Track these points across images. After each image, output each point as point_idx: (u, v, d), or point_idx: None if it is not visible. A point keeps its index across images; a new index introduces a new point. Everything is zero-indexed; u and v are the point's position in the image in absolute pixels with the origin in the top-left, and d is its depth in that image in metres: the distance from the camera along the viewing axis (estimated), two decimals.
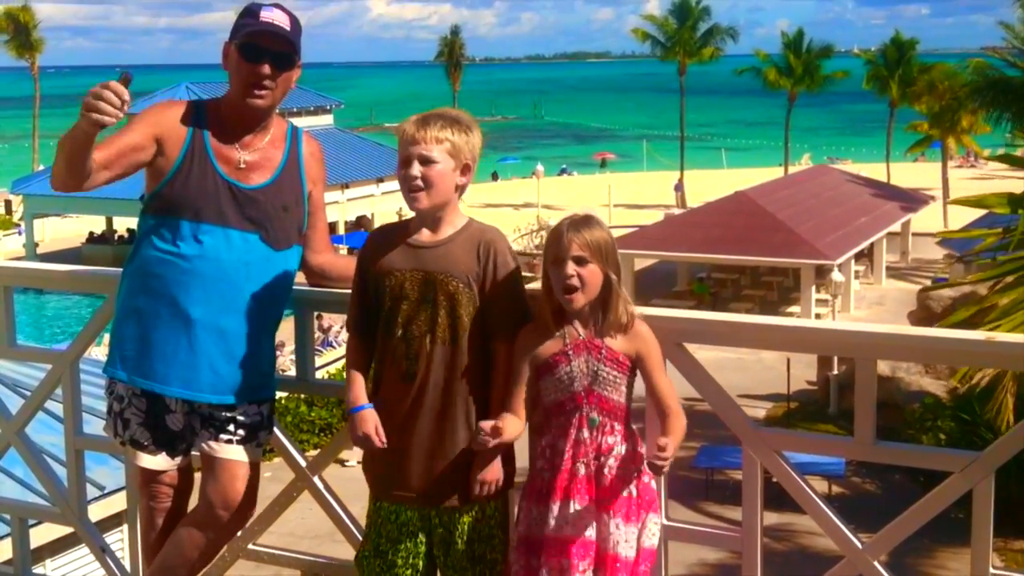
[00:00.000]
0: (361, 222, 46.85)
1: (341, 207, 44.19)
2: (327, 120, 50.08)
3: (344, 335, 3.61)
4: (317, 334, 24.49)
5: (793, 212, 36.15)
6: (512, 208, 56.28)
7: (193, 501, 3.70)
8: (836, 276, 31.44)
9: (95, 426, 4.28)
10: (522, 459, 3.33)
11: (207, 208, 3.43)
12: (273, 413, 3.69)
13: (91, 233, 47.45)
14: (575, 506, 3.08)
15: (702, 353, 3.26)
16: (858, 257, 37.12)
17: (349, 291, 3.39)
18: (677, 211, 49.75)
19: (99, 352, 15.77)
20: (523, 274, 3.33)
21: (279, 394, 3.94)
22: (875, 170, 55.46)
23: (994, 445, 3.05)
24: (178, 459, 3.64)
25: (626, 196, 57.38)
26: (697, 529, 3.46)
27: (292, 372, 4.04)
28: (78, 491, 4.30)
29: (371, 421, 3.23)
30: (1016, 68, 24.29)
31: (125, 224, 45.22)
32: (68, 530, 4.55)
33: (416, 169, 3.18)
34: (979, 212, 25.23)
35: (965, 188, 52.11)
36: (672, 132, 71.89)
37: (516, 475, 3.36)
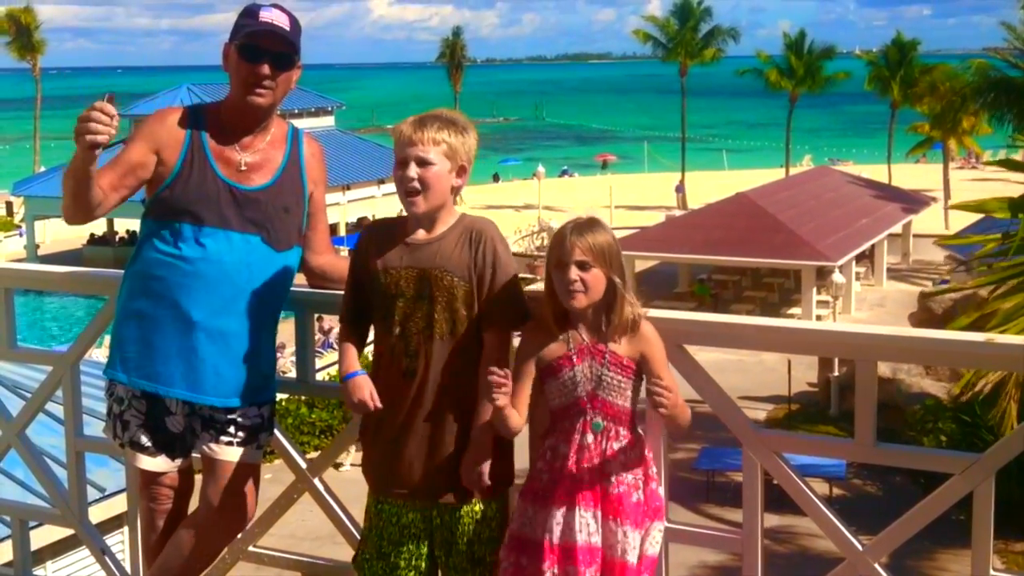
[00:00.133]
0: (362, 224, 46.85)
1: (342, 208, 44.23)
2: (328, 121, 50.13)
3: None
4: (318, 336, 24.48)
5: (794, 214, 36.15)
6: (513, 209, 56.27)
7: (194, 503, 3.70)
8: (837, 278, 31.42)
9: (96, 428, 4.28)
10: (522, 460, 3.33)
11: (208, 211, 3.43)
12: (273, 415, 3.69)
13: (92, 235, 47.47)
14: (581, 512, 3.06)
15: (703, 355, 3.26)
16: (859, 259, 37.11)
17: None
18: (678, 212, 49.75)
19: (100, 354, 15.78)
20: (523, 276, 3.33)
21: (279, 396, 3.94)
22: (876, 171, 55.45)
23: (995, 447, 3.05)
24: (178, 461, 3.63)
25: (627, 197, 57.35)
26: (698, 531, 3.46)
27: (293, 374, 4.04)
28: (78, 493, 4.30)
29: (366, 387, 3.22)
30: (1018, 69, 24.26)
31: (126, 226, 45.31)
32: (69, 532, 4.55)
33: (413, 171, 3.18)
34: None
35: (966, 189, 52.13)
36: (673, 133, 71.91)
37: (516, 476, 3.36)
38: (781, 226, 34.58)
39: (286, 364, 22.46)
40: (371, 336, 3.39)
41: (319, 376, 4.21)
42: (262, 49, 3.42)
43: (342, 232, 43.61)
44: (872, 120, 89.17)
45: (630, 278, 3.12)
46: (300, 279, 3.71)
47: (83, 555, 10.54)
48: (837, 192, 41.33)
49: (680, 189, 59.37)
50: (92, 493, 10.24)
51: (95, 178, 3.33)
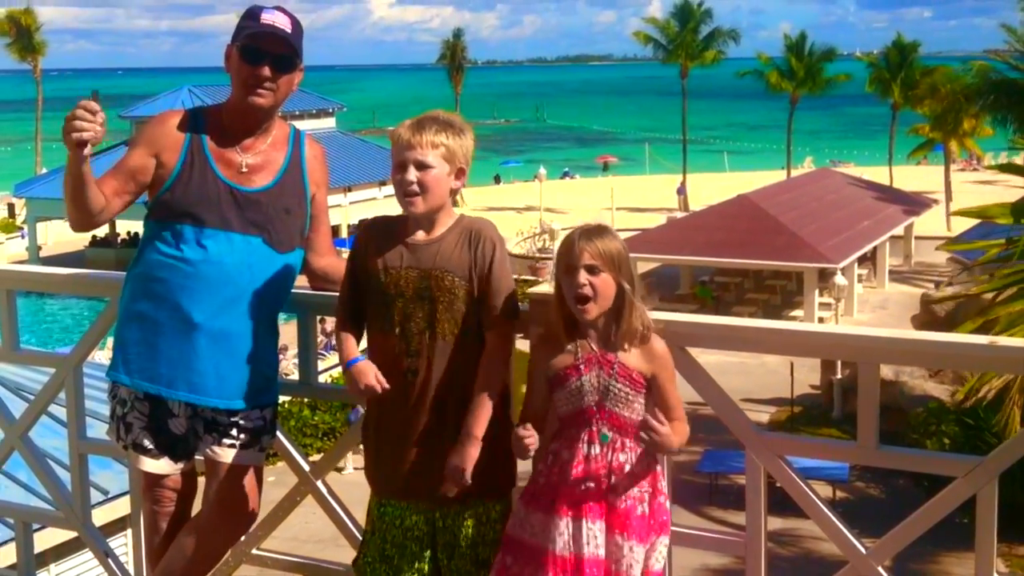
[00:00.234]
0: (362, 223, 46.82)
1: (344, 210, 44.23)
2: (329, 123, 50.12)
3: None
4: (320, 338, 24.49)
5: (796, 215, 36.14)
6: (514, 211, 56.27)
7: (197, 505, 3.70)
8: (839, 280, 31.42)
9: (99, 430, 4.28)
10: (525, 463, 3.33)
11: (209, 212, 3.44)
12: (276, 417, 3.70)
13: (94, 236, 47.44)
14: (588, 524, 3.04)
15: (705, 357, 3.26)
16: (861, 261, 37.08)
17: None
18: (679, 214, 49.73)
19: (102, 356, 15.78)
20: (525, 277, 3.33)
21: (282, 398, 3.95)
22: (878, 173, 55.43)
23: (998, 450, 3.05)
24: (181, 463, 3.64)
25: (628, 199, 57.35)
26: (700, 534, 3.46)
27: (295, 376, 4.04)
28: (82, 495, 4.30)
29: (370, 371, 3.20)
30: (1018, 71, 24.24)
31: (128, 227, 45.31)
32: (72, 534, 4.55)
33: (412, 174, 3.19)
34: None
35: (968, 191, 52.13)
36: (674, 135, 71.88)
37: (518, 479, 3.36)
38: (783, 228, 34.57)
39: (289, 366, 22.47)
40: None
41: (322, 378, 4.21)
42: (263, 51, 3.43)
43: (344, 234, 43.60)
44: (873, 122, 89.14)
45: (639, 286, 3.10)
46: (302, 281, 3.71)
47: (86, 558, 10.56)
48: (839, 194, 41.31)
49: (681, 191, 59.36)
50: (95, 496, 10.26)
51: (93, 182, 3.36)
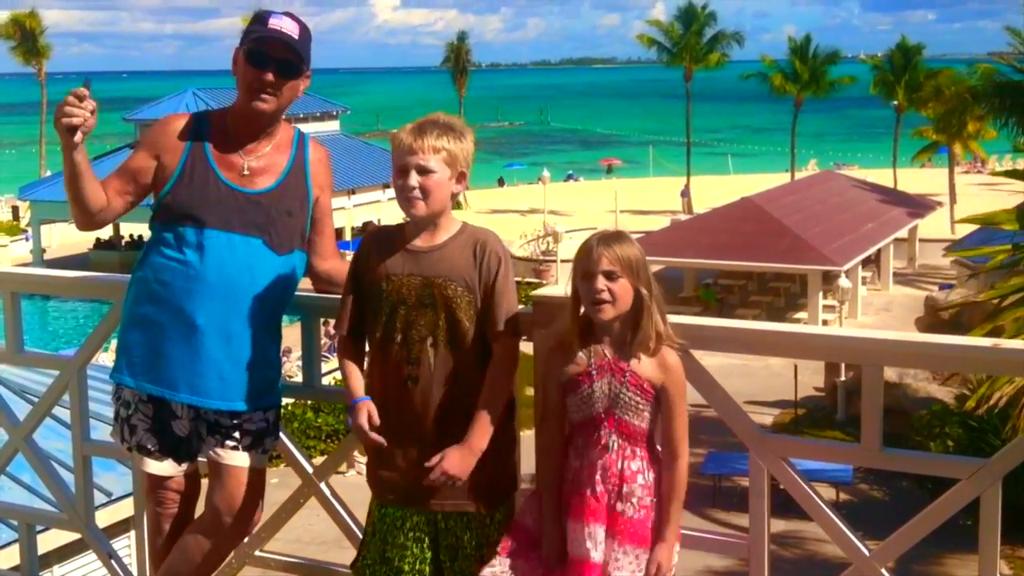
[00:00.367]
0: (367, 228, 46.91)
1: (347, 213, 44.26)
2: (333, 126, 50.17)
3: None
4: (324, 340, 24.51)
5: (800, 218, 36.12)
6: (518, 214, 56.24)
7: (200, 507, 3.70)
8: (843, 282, 31.38)
9: (102, 432, 4.29)
10: (528, 465, 3.33)
11: (210, 214, 3.45)
12: (279, 419, 3.70)
13: (98, 239, 47.51)
14: (592, 529, 3.04)
15: (709, 359, 3.25)
16: (865, 263, 37.07)
17: None
18: (683, 217, 49.70)
19: (106, 358, 15.80)
20: (529, 280, 3.33)
21: (286, 400, 3.95)
22: (882, 176, 55.35)
23: (1001, 452, 3.05)
24: (184, 465, 3.64)
25: (632, 202, 57.31)
26: (704, 536, 3.46)
27: (299, 378, 4.04)
28: (85, 497, 4.30)
29: (362, 413, 3.23)
30: (1023, 73, 24.22)
31: (131, 230, 45.34)
32: (75, 536, 4.56)
33: (414, 179, 3.19)
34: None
35: (973, 194, 52.14)
36: (678, 138, 71.95)
37: (522, 482, 3.36)
38: (787, 230, 34.56)
39: (292, 368, 22.47)
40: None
41: (325, 380, 4.21)
42: (268, 56, 3.43)
43: (347, 236, 43.63)
44: (877, 124, 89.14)
45: (657, 292, 3.08)
46: (306, 284, 3.72)
47: (90, 559, 10.56)
48: (843, 196, 41.28)
49: (685, 193, 59.34)
50: (99, 497, 10.27)
51: (91, 175, 3.41)
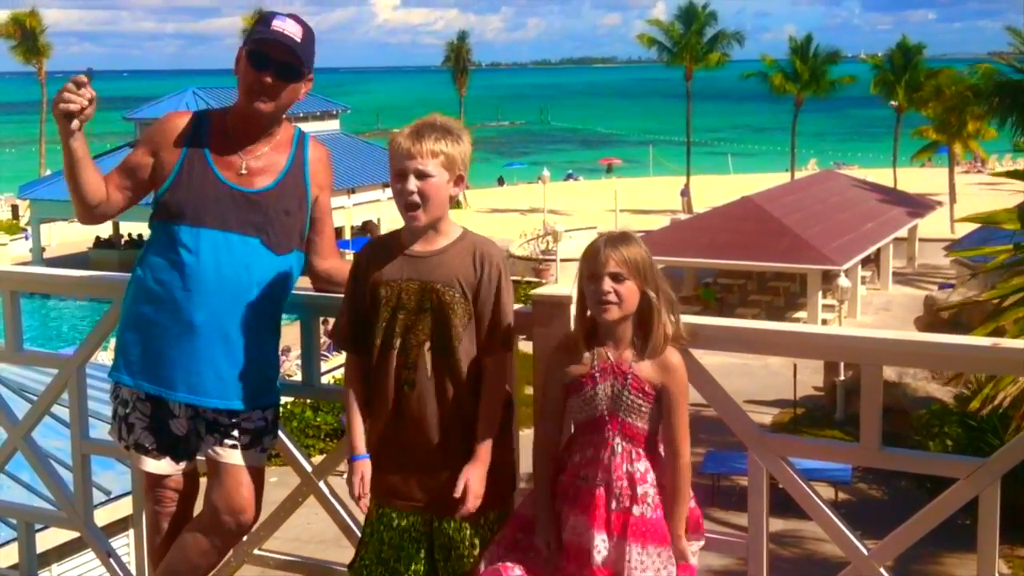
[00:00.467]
0: (367, 227, 46.88)
1: (347, 212, 44.25)
2: (333, 125, 50.15)
3: None
4: (323, 339, 24.45)
5: (800, 217, 36.13)
6: (518, 213, 56.24)
7: (199, 506, 3.70)
8: (843, 281, 31.38)
9: (101, 431, 4.29)
10: (526, 465, 3.33)
11: (207, 213, 3.45)
12: (278, 418, 3.70)
13: (98, 237, 47.53)
14: (596, 530, 3.04)
15: (708, 358, 3.25)
16: (865, 262, 37.07)
17: None
18: (683, 216, 49.71)
19: (105, 357, 15.80)
20: (529, 279, 3.33)
21: (285, 399, 3.95)
22: (882, 175, 55.36)
23: (1000, 451, 3.05)
24: (183, 464, 3.64)
25: (632, 201, 57.31)
26: (703, 535, 3.45)
27: (298, 377, 4.04)
28: (84, 496, 4.30)
29: (359, 472, 3.26)
30: (1023, 73, 24.22)
31: (132, 228, 45.33)
32: (74, 535, 4.55)
33: (412, 184, 3.18)
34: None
35: (973, 194, 52.13)
36: (678, 137, 71.96)
37: (520, 481, 3.36)
38: (786, 230, 34.57)
39: (291, 367, 22.46)
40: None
41: (324, 379, 4.21)
42: (268, 58, 3.43)
43: (347, 236, 43.62)
44: (877, 124, 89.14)
45: (665, 294, 3.08)
46: (305, 282, 3.72)
47: (88, 558, 10.56)
48: (842, 196, 41.29)
49: (685, 193, 59.35)
50: (97, 496, 10.27)
51: (91, 165, 3.44)
